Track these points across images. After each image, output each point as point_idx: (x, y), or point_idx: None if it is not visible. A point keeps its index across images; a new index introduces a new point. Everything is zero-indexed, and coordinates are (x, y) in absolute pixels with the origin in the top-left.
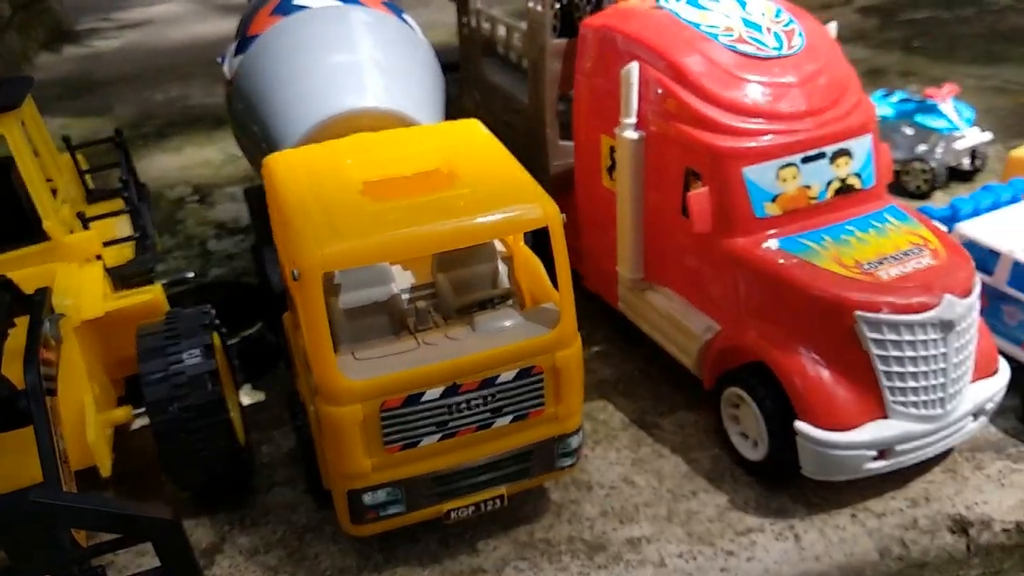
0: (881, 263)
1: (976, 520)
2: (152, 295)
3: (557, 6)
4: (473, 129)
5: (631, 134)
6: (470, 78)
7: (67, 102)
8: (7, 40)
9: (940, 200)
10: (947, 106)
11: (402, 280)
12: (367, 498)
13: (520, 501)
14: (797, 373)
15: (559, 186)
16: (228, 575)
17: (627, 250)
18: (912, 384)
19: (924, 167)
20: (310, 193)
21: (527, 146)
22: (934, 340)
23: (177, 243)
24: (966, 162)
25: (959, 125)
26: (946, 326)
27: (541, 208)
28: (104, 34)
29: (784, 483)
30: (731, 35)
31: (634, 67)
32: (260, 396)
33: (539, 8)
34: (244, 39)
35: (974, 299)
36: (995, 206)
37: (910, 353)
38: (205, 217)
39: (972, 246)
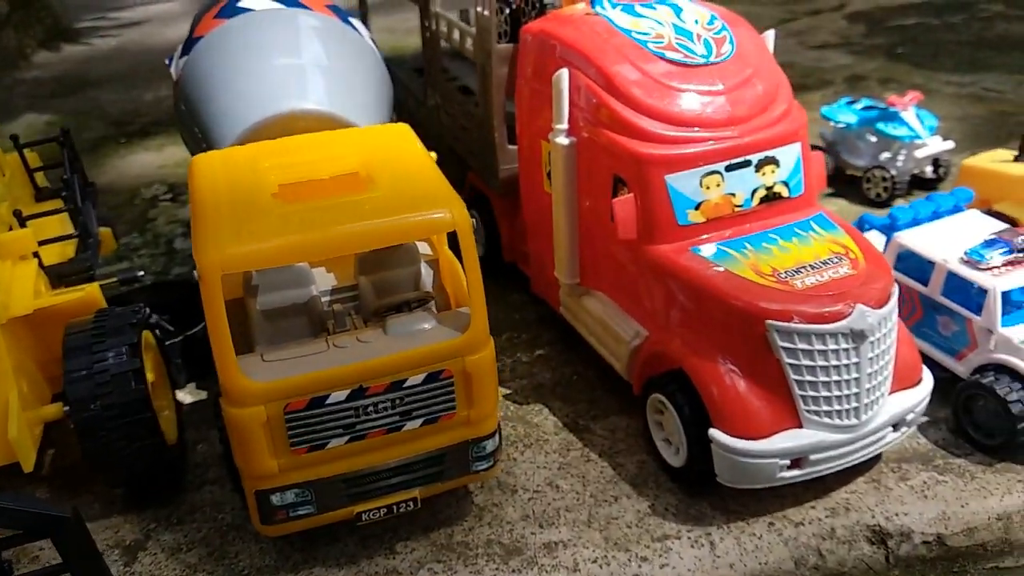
0: (798, 272)
1: (895, 531)
2: (85, 293)
3: (505, 11)
4: (401, 133)
5: (563, 140)
6: (432, 81)
7: (58, 100)
8: (4, 38)
9: None
10: (909, 114)
11: (325, 282)
12: (275, 499)
13: (443, 503)
14: (713, 381)
15: (508, 190)
16: (148, 572)
17: (563, 255)
18: (825, 393)
19: (885, 175)
20: (224, 194)
21: (481, 149)
22: (846, 350)
23: (145, 241)
24: (928, 170)
25: (921, 133)
26: (858, 336)
27: (450, 212)
28: (102, 32)
29: (705, 490)
30: (661, 42)
31: (564, 73)
32: (202, 395)
33: (486, 13)
34: (190, 41)
35: (890, 310)
36: (935, 215)
37: (822, 363)
38: (175, 216)
39: (909, 256)
